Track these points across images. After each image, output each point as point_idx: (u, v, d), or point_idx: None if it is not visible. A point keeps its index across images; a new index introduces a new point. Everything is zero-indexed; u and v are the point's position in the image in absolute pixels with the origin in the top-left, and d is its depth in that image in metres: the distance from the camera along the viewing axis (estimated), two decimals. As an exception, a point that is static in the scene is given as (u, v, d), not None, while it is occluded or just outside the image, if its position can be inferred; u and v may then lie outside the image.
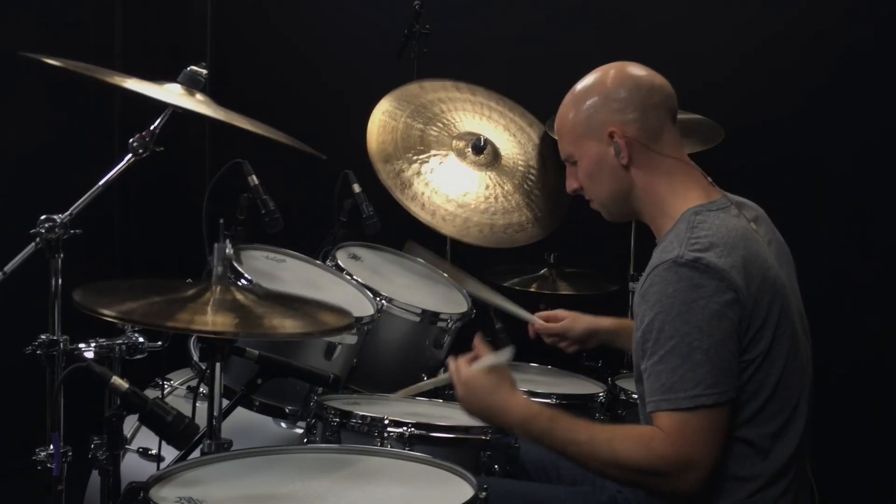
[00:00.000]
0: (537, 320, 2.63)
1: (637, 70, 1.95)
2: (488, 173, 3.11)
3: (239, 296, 1.96)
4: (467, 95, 3.29)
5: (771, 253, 1.89)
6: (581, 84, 1.98)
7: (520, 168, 3.18)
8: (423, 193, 2.95)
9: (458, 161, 3.07)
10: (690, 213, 1.85)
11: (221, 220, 2.09)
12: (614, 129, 1.89)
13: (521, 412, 1.89)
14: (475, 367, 1.98)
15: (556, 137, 3.30)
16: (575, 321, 2.55)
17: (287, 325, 1.99)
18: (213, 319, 1.84)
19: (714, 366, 1.71)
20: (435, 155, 3.03)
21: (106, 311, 1.72)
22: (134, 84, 2.04)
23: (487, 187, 3.07)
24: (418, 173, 2.96)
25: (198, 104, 2.12)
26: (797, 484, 1.85)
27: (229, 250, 2.03)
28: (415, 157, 2.98)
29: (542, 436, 1.86)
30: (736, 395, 1.76)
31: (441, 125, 3.15)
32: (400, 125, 3.05)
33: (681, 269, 1.74)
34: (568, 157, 2.01)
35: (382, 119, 3.02)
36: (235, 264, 2.38)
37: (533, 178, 3.18)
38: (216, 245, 1.99)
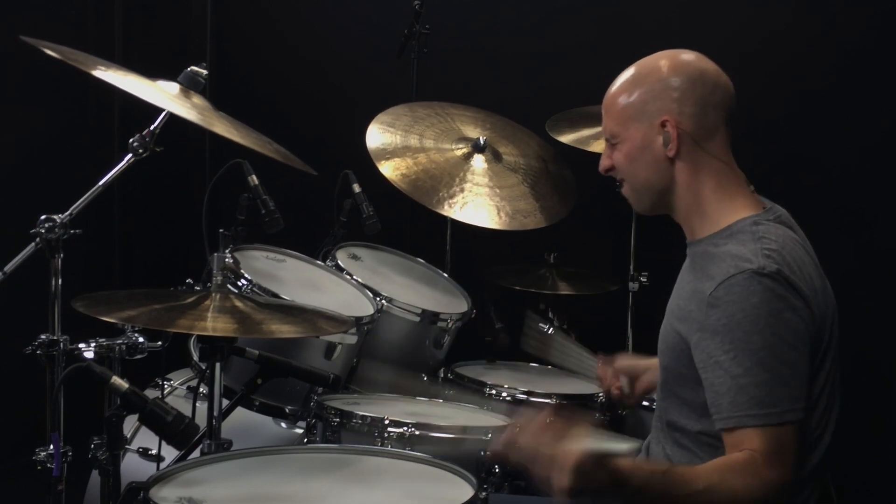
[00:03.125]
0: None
1: (702, 63, 1.86)
2: (491, 169, 3.12)
3: (238, 303, 1.97)
4: (461, 111, 3.30)
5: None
6: (641, 65, 1.88)
7: (521, 167, 3.19)
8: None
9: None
10: (749, 223, 1.78)
11: (221, 230, 2.09)
12: (668, 119, 1.81)
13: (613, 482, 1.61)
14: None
15: (555, 136, 3.34)
16: (651, 368, 2.15)
17: (285, 330, 2.00)
18: (214, 325, 1.85)
19: (799, 381, 1.68)
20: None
21: (107, 318, 1.74)
22: (128, 82, 2.03)
23: (491, 178, 3.08)
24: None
25: (191, 108, 2.11)
26: (816, 497, 1.82)
27: (229, 259, 2.03)
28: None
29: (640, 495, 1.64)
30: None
31: (439, 132, 3.16)
32: (398, 139, 3.07)
33: (764, 280, 1.67)
34: (611, 136, 1.90)
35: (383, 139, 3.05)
36: (235, 270, 2.38)
37: (535, 175, 3.18)
38: (216, 255, 1.99)
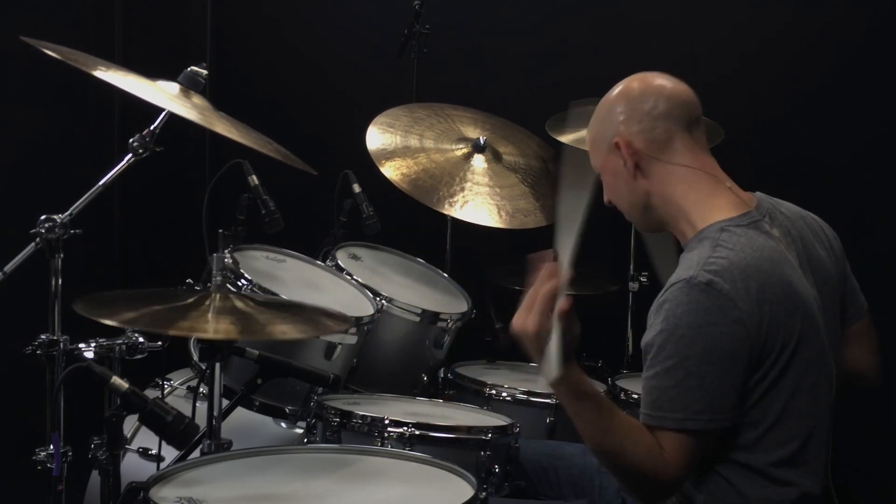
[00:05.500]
0: None
1: (645, 80, 1.91)
2: (491, 168, 3.12)
3: (238, 303, 1.96)
4: (461, 112, 3.30)
5: (805, 274, 1.83)
6: (602, 100, 1.96)
7: (521, 166, 3.19)
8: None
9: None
10: (716, 228, 1.80)
11: (221, 230, 2.09)
12: (618, 141, 1.88)
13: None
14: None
15: (554, 136, 3.34)
16: None
17: (287, 330, 1.99)
18: (215, 326, 1.85)
19: (706, 393, 1.69)
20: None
21: (107, 321, 1.73)
22: (128, 82, 2.03)
23: (491, 178, 3.08)
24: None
25: (191, 108, 2.11)
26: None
27: (228, 260, 2.03)
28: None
29: (573, 401, 1.76)
30: (730, 424, 1.73)
31: (439, 132, 3.17)
32: (398, 139, 3.07)
33: (692, 291, 1.71)
34: (596, 170, 1.98)
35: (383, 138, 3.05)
36: (235, 270, 2.38)
37: (535, 174, 3.18)
38: (215, 255, 1.99)
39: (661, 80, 1.91)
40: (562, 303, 1.71)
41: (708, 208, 1.85)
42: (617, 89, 1.93)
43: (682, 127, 1.88)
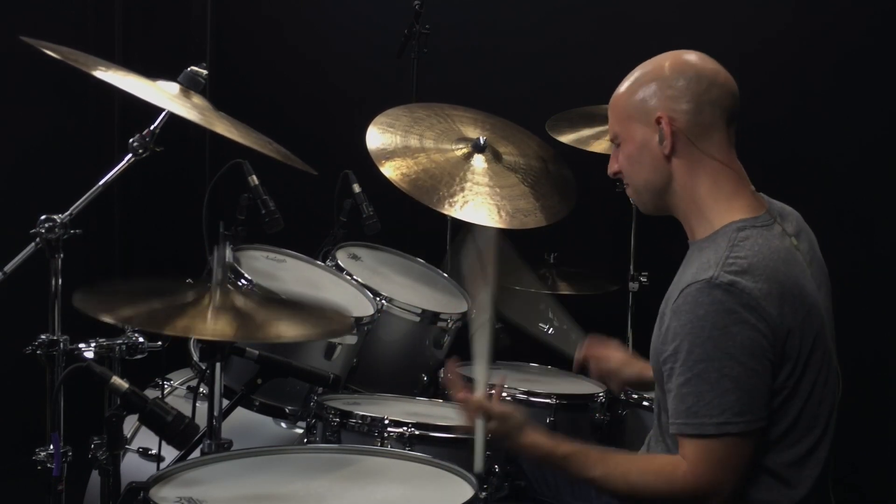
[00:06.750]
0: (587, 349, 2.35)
1: (702, 62, 1.86)
2: (491, 168, 3.12)
3: (239, 301, 1.95)
4: (461, 112, 3.30)
5: (812, 275, 1.83)
6: (644, 65, 1.90)
7: (521, 166, 3.19)
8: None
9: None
10: (734, 228, 1.78)
11: (221, 224, 2.09)
12: (662, 116, 1.82)
13: (540, 450, 1.89)
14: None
15: (555, 136, 3.34)
16: (626, 365, 2.27)
17: (287, 330, 1.98)
18: (213, 327, 1.84)
19: (743, 393, 1.67)
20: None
21: (105, 317, 1.72)
22: (128, 82, 2.03)
23: (491, 178, 3.08)
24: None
25: (191, 108, 2.10)
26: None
27: (229, 254, 2.03)
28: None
29: (560, 470, 1.89)
30: (765, 425, 1.71)
31: (439, 132, 3.16)
32: (398, 139, 3.07)
33: (714, 291, 1.68)
34: (614, 138, 1.93)
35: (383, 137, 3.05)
36: (236, 266, 2.38)
37: (535, 175, 3.18)
38: (216, 249, 1.99)
39: (714, 65, 1.87)
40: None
41: (727, 208, 1.83)
42: (668, 61, 1.86)
43: (724, 120, 1.85)
